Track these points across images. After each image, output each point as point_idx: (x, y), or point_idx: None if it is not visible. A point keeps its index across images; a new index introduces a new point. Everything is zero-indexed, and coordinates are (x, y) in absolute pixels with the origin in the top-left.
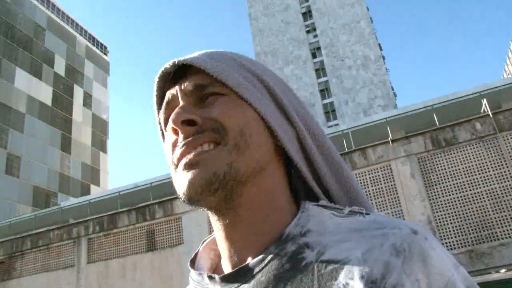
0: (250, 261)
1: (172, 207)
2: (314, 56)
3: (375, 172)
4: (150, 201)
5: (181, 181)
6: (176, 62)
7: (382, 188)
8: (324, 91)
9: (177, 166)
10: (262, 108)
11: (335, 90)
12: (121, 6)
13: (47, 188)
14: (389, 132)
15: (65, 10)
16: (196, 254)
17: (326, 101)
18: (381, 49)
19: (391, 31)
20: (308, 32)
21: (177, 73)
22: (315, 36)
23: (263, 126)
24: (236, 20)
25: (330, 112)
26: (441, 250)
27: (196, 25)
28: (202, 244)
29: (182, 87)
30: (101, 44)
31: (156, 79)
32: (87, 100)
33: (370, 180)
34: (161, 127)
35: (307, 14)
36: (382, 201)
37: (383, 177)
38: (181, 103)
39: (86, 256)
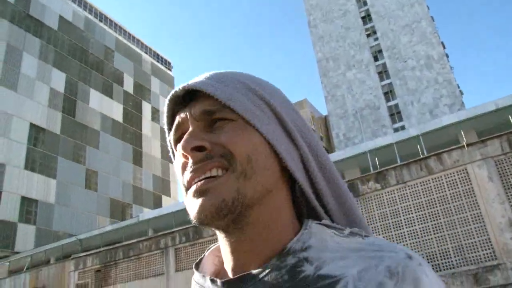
0: (252, 270)
1: None
2: (376, 59)
3: (451, 176)
4: None
5: (192, 206)
6: (186, 87)
7: (459, 191)
8: (388, 94)
9: (187, 189)
10: (268, 132)
11: (399, 91)
12: (182, 20)
13: (122, 200)
14: (463, 135)
15: (130, 31)
16: (201, 259)
17: (391, 103)
18: (444, 48)
19: (454, 28)
20: (368, 35)
21: (188, 96)
22: (376, 39)
23: (269, 149)
24: (296, 28)
25: (395, 114)
26: (432, 276)
27: (256, 35)
28: (208, 250)
29: (192, 111)
30: (165, 60)
31: (167, 102)
32: (155, 114)
33: (447, 184)
34: (171, 146)
35: (366, 18)
36: (460, 204)
37: (459, 181)
38: (191, 127)
39: (174, 265)
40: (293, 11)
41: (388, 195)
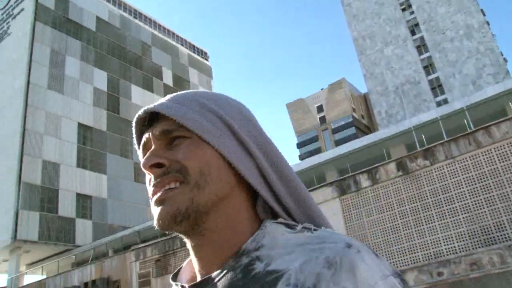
0: (213, 273)
1: None
2: (413, 33)
3: (501, 149)
4: None
5: (154, 214)
6: (147, 110)
7: (511, 163)
8: (428, 67)
9: (152, 202)
10: (220, 146)
11: (439, 64)
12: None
13: None
14: (510, 105)
15: (165, 25)
16: (179, 270)
17: (431, 76)
18: (484, 15)
19: None
20: (403, 10)
21: (151, 117)
22: (412, 12)
23: (222, 162)
24: (328, 7)
25: (436, 87)
26: (372, 262)
27: (289, 16)
28: (186, 261)
29: (153, 131)
30: (201, 51)
31: (134, 124)
32: None
33: (497, 157)
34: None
35: None
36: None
37: (510, 153)
38: (153, 146)
39: None
40: None
41: (438, 171)
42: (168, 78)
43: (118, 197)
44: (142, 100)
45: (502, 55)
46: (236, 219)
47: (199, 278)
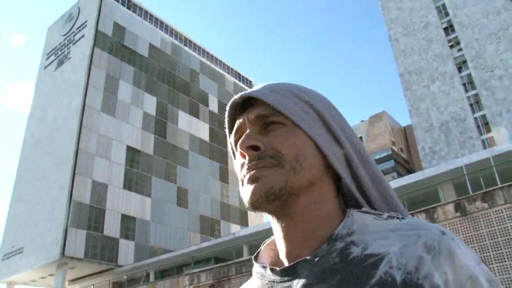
0: (305, 256)
1: None
2: (460, 70)
3: None
4: None
5: (246, 192)
6: (243, 95)
7: None
8: (474, 105)
9: (243, 180)
10: (314, 134)
11: (487, 102)
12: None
13: (211, 216)
14: None
15: (214, 53)
16: (258, 252)
17: (477, 114)
18: None
19: None
20: (451, 46)
21: (245, 103)
22: (460, 50)
23: (315, 149)
24: (376, 42)
25: (482, 125)
26: (465, 249)
27: (336, 51)
28: (263, 244)
29: (248, 116)
30: (246, 79)
31: (228, 108)
32: None
33: None
34: (232, 147)
35: (448, 29)
36: None
37: None
38: (248, 130)
39: None
40: (372, 25)
41: (496, 214)
42: (214, 105)
43: (161, 220)
44: (189, 126)
45: None
46: (324, 205)
47: (286, 262)
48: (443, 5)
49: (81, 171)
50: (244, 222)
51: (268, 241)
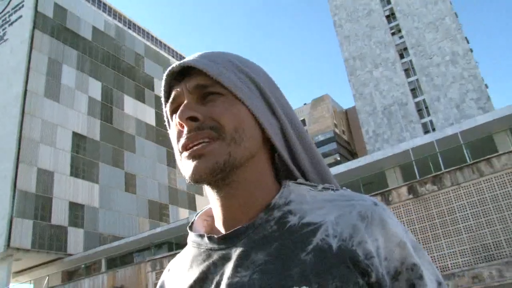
0: (243, 224)
1: None
2: (401, 56)
3: (501, 178)
4: None
5: (188, 167)
6: (182, 64)
7: (509, 191)
8: (415, 90)
9: (182, 153)
10: (253, 106)
11: (426, 88)
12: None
13: (160, 201)
14: (509, 141)
15: (158, 36)
16: (192, 222)
17: (418, 99)
18: (468, 43)
19: (477, 22)
20: (393, 34)
21: (183, 72)
22: (401, 37)
23: (253, 121)
24: (321, 28)
25: (423, 109)
26: (395, 219)
27: (282, 36)
28: (196, 215)
29: (187, 85)
30: None
31: (165, 77)
32: None
33: (497, 185)
34: (167, 117)
35: (390, 17)
36: (510, 202)
37: (508, 182)
38: (186, 100)
39: None
40: (319, 10)
41: (444, 195)
42: (159, 89)
43: (109, 207)
44: (135, 111)
45: (484, 81)
46: (261, 176)
47: (223, 230)
48: None
49: (25, 159)
50: (192, 206)
51: (200, 212)
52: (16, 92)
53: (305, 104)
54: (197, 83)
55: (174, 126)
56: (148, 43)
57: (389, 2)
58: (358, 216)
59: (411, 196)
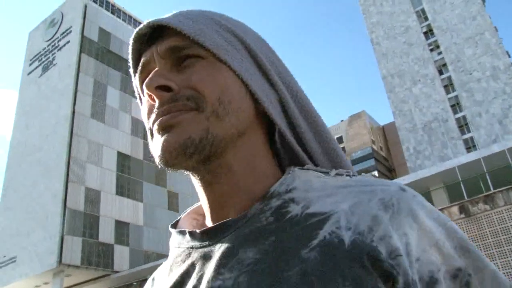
0: (232, 217)
1: None
2: (441, 73)
3: None
4: None
5: (156, 145)
6: (151, 23)
7: None
8: (456, 106)
9: (152, 131)
10: (242, 70)
11: (467, 103)
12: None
13: None
14: None
15: None
16: (177, 221)
17: (458, 115)
18: (509, 57)
19: None
20: (431, 50)
21: (154, 35)
22: (439, 53)
23: (243, 90)
24: (358, 46)
25: (464, 125)
26: (430, 208)
27: (317, 53)
28: (184, 213)
29: (158, 49)
30: None
31: (131, 41)
32: None
33: None
34: (138, 91)
35: (428, 33)
36: None
37: None
38: (157, 66)
39: None
40: (356, 28)
41: (497, 215)
42: None
43: (153, 225)
44: None
45: None
46: (256, 159)
47: (210, 224)
48: (422, 10)
49: (73, 179)
50: None
51: (190, 209)
52: (65, 113)
53: (342, 121)
54: (170, 44)
55: (145, 101)
56: None
57: (426, 19)
58: (381, 205)
59: (462, 215)
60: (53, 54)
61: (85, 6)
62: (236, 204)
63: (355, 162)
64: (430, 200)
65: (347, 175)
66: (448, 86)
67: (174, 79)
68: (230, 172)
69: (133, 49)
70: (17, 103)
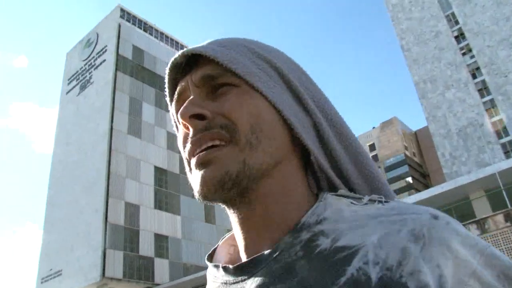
0: (265, 250)
1: None
2: (474, 76)
3: None
4: None
5: (195, 179)
6: (186, 53)
7: None
8: (491, 109)
9: (190, 162)
10: (274, 97)
11: (503, 106)
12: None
13: None
14: None
15: None
16: (214, 249)
17: (494, 119)
18: None
19: None
20: (464, 54)
21: (189, 64)
22: (472, 56)
23: (277, 117)
24: (387, 52)
25: (500, 129)
26: (466, 235)
27: (345, 60)
28: (221, 240)
29: (193, 78)
30: None
31: (167, 71)
32: None
33: None
34: (174, 119)
35: (459, 37)
36: None
37: None
38: (192, 95)
39: None
40: (386, 34)
41: None
42: None
43: (191, 237)
44: None
45: None
46: (291, 188)
47: (245, 258)
48: (453, 14)
49: (113, 194)
50: None
51: (227, 235)
52: (103, 130)
53: (373, 127)
54: (204, 73)
55: (181, 129)
56: None
57: (457, 23)
58: (411, 236)
59: (508, 223)
60: (90, 73)
61: (119, 26)
62: (269, 236)
63: (388, 169)
64: (471, 208)
65: (379, 202)
66: (482, 89)
67: (208, 107)
68: (265, 203)
69: (169, 79)
70: (57, 122)
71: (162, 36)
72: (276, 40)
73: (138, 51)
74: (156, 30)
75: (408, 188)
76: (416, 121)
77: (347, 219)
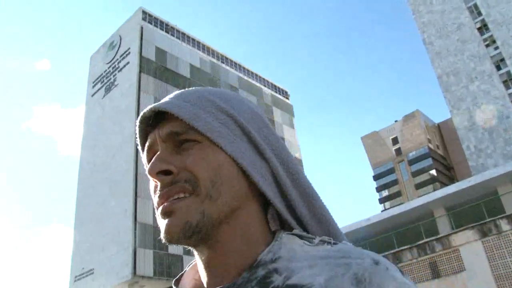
0: (225, 284)
1: (449, 241)
2: (498, 68)
3: None
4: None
5: (161, 226)
6: (153, 109)
7: None
8: None
9: (157, 212)
10: (234, 150)
11: None
12: (293, 47)
13: None
14: None
15: (250, 68)
16: (182, 275)
17: None
18: None
19: None
20: (487, 46)
21: (157, 117)
22: (496, 48)
23: (236, 169)
24: (408, 45)
25: None
26: (401, 280)
27: (370, 59)
28: (189, 265)
29: (160, 133)
30: (283, 90)
31: (137, 123)
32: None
33: None
34: (146, 167)
35: (482, 28)
36: None
37: None
38: (160, 149)
39: None
40: (406, 28)
41: None
42: None
43: None
44: None
45: None
46: (249, 230)
47: None
48: (475, 5)
49: (141, 194)
50: None
51: (194, 262)
52: (129, 132)
53: (396, 121)
54: (170, 130)
55: (151, 180)
56: (241, 75)
57: (480, 14)
58: (353, 279)
59: None
60: (114, 76)
61: (141, 28)
62: (230, 273)
63: (411, 162)
64: (500, 204)
65: (328, 243)
66: (508, 81)
67: (174, 162)
68: (225, 246)
69: (139, 130)
70: (83, 124)
71: (184, 37)
72: (299, 36)
73: (161, 52)
74: (178, 31)
75: (432, 181)
76: (439, 113)
77: (299, 258)
